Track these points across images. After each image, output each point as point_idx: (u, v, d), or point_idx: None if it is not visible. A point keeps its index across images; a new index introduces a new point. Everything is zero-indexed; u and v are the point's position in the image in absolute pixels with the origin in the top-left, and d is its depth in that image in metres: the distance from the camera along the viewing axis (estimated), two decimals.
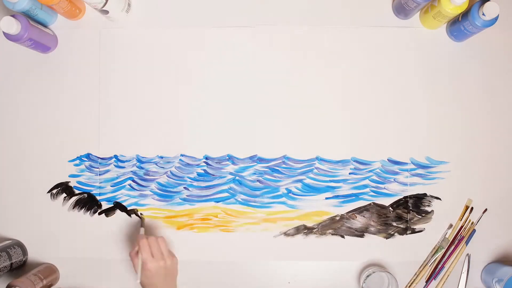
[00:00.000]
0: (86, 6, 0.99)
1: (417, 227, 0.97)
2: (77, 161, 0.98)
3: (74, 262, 0.98)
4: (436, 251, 0.96)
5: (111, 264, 0.98)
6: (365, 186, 0.98)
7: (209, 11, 0.99)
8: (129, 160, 0.98)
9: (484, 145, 0.97)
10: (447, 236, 0.96)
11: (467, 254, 0.96)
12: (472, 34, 0.93)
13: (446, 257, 0.96)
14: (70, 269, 0.98)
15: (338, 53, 0.98)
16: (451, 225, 0.97)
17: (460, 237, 0.96)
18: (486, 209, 0.96)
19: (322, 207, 0.97)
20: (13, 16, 0.87)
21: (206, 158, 0.98)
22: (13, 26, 0.86)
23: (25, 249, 0.97)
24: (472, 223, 0.96)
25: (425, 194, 0.97)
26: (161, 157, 0.98)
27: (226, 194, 0.98)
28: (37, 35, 0.92)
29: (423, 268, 0.96)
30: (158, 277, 0.86)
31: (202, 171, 0.98)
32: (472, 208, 0.97)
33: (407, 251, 0.97)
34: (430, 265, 0.96)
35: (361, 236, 0.97)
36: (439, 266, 0.96)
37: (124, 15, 0.97)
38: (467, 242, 0.96)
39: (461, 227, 0.96)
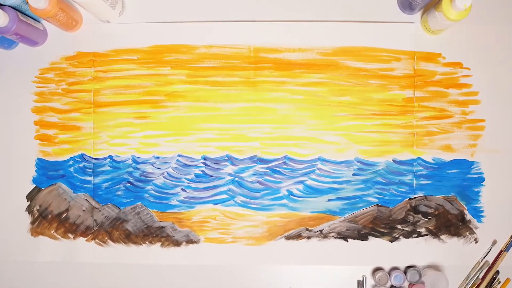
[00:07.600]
0: (83, 19, 0.97)
1: (423, 230, 0.95)
2: (71, 162, 0.96)
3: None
4: (482, 267, 0.95)
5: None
6: (369, 187, 0.95)
7: (208, 6, 0.98)
8: (125, 161, 0.96)
9: (487, 144, 0.96)
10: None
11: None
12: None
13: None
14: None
15: (341, 48, 0.96)
16: (495, 241, 0.95)
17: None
18: None
19: (324, 209, 0.95)
20: (1, 8, 0.85)
21: (204, 158, 0.96)
22: (0, 18, 0.84)
23: None
24: None
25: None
26: (158, 158, 0.96)
27: (225, 196, 0.96)
28: (25, 30, 0.90)
29: (470, 283, 0.95)
30: None
31: (200, 172, 0.96)
32: None
33: (413, 255, 0.95)
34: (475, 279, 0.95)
35: (365, 239, 0.95)
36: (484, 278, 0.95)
37: (117, 14, 0.96)
38: (507, 249, 0.95)
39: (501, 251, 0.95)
